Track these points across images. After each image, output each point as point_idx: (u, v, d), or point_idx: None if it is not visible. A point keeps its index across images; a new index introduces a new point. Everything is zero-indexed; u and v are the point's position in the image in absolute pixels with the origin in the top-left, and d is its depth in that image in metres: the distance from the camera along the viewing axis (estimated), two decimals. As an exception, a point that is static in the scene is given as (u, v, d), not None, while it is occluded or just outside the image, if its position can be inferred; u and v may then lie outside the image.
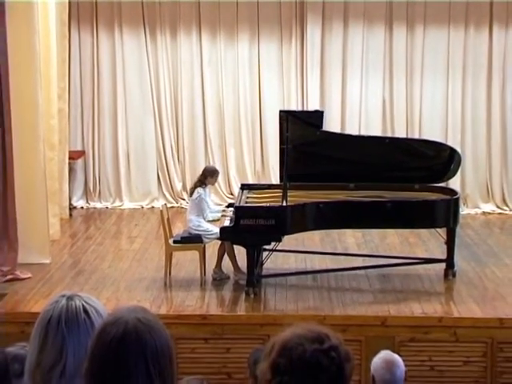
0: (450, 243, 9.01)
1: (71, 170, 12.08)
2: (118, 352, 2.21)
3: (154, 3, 12.30)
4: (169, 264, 8.88)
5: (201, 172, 9.33)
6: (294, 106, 12.28)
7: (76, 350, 2.45)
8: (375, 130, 12.22)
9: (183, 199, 12.40)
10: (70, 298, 2.59)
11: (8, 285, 8.80)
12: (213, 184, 9.49)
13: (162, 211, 9.26)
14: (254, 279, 8.44)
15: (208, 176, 9.08)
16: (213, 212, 9.16)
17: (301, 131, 8.86)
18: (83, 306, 2.57)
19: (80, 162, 12.51)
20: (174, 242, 8.90)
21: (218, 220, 9.16)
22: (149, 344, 2.23)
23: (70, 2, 11.53)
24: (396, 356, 5.18)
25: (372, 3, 12.23)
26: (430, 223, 9.11)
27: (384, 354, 5.20)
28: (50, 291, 8.40)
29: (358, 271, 9.14)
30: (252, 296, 8.42)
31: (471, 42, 12.37)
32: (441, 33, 12.34)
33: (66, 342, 2.49)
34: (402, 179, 9.17)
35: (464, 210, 11.53)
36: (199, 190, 8.95)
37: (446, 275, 9.08)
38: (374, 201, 8.84)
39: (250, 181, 11.98)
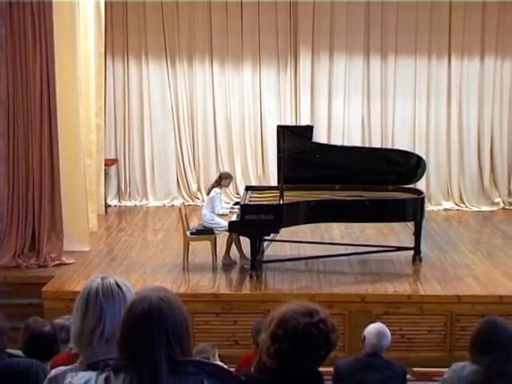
0: (417, 234, 9.02)
1: (106, 174, 12.07)
2: (144, 324, 2.23)
3: (174, 37, 12.31)
4: (186, 252, 8.87)
5: (217, 176, 9.37)
6: (289, 121, 12.25)
7: (112, 316, 2.47)
8: (356, 141, 12.20)
9: (198, 198, 12.41)
10: (103, 278, 2.61)
11: (55, 268, 8.82)
12: (227, 186, 9.48)
13: (180, 208, 9.26)
14: (256, 264, 8.43)
15: (223, 179, 9.08)
16: (223, 208, 9.17)
17: (295, 142, 8.83)
18: (116, 282, 2.60)
19: (113, 168, 12.52)
20: (191, 233, 8.90)
21: (226, 215, 9.16)
22: (169, 318, 2.24)
23: (105, 37, 11.53)
24: (387, 330, 5.16)
25: (352, 38, 12.22)
26: (400, 218, 9.08)
27: (379, 325, 5.20)
28: (89, 273, 8.41)
29: (341, 257, 9.14)
30: (255, 278, 8.40)
31: (434, 70, 12.36)
32: (409, 62, 12.33)
33: (103, 309, 2.50)
34: (377, 181, 9.16)
35: (428, 207, 11.50)
36: (215, 189, 8.98)
37: (413, 260, 9.07)
38: (354, 199, 8.82)
39: (253, 183, 11.96)
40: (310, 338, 2.54)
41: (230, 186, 11.93)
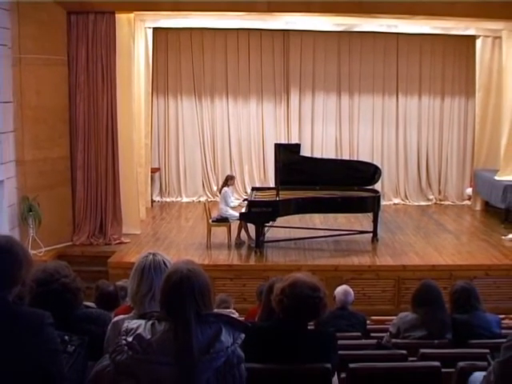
0: (375, 222, 9.03)
1: (152, 179, 12.06)
2: (178, 289, 2.23)
3: (200, 81, 12.29)
4: (209, 234, 8.89)
5: (224, 178, 9.36)
6: (283, 140, 12.20)
7: (158, 284, 2.46)
8: (331, 155, 12.16)
9: (217, 196, 12.29)
10: (154, 255, 2.64)
11: (117, 246, 8.88)
12: (232, 185, 9.48)
13: (204, 203, 9.31)
14: (259, 244, 8.47)
15: (229, 179, 9.10)
16: (233, 202, 9.17)
17: (287, 155, 8.85)
18: (162, 259, 2.62)
19: (157, 174, 12.50)
20: (212, 221, 8.92)
21: (236, 207, 9.17)
22: (196, 284, 2.24)
23: (152, 81, 11.55)
24: (351, 290, 5.19)
25: (328, 82, 12.21)
26: (363, 210, 9.07)
27: (345, 286, 5.24)
28: (140, 250, 8.44)
29: (320, 239, 9.14)
30: (258, 253, 8.44)
31: (386, 104, 12.34)
32: (369, 98, 12.31)
33: (153, 280, 2.53)
34: (346, 184, 9.13)
35: (383, 202, 11.46)
36: (225, 188, 9.00)
37: (372, 241, 9.09)
38: (330, 197, 8.83)
39: (257, 184, 11.92)
40: (304, 306, 2.55)
41: (240, 187, 11.99)
